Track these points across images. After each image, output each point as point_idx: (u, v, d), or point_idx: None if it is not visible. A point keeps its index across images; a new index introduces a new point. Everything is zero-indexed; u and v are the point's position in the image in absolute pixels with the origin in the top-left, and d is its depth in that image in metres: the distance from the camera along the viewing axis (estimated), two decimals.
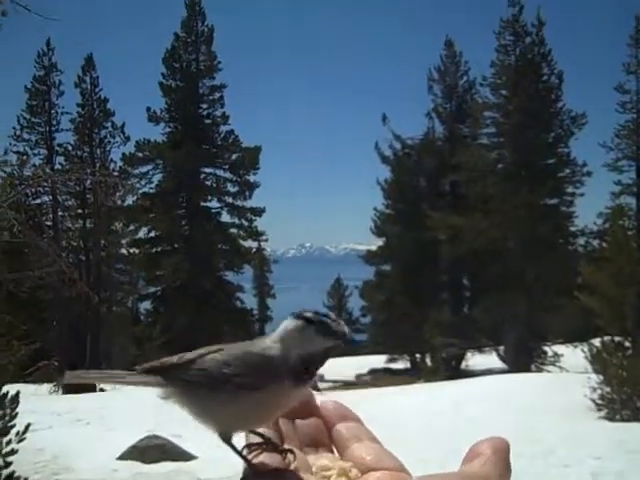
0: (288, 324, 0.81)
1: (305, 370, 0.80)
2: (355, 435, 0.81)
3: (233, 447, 0.79)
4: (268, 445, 0.79)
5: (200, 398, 0.78)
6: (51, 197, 30.10)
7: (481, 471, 0.67)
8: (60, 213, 31.82)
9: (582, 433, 11.65)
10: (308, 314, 0.80)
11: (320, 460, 0.78)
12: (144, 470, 9.02)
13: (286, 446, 0.79)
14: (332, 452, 0.82)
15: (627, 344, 16.96)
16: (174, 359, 0.81)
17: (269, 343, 0.80)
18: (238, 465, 0.78)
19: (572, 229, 34.48)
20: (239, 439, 0.80)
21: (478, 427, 12.52)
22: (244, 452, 0.79)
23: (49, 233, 26.65)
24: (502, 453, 0.70)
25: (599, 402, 13.94)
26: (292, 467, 0.77)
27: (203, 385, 0.77)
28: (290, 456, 0.77)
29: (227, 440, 0.79)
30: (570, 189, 34.28)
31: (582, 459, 9.77)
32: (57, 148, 32.71)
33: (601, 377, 14.24)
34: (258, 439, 0.79)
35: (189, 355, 0.81)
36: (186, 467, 9.16)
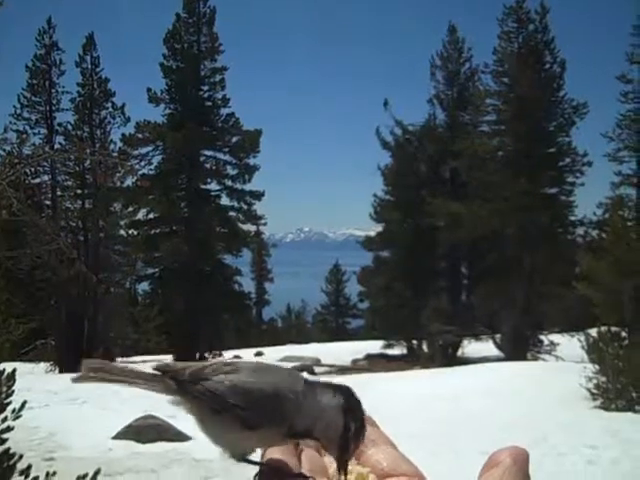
0: (331, 397, 0.77)
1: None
2: (371, 439, 0.80)
3: (247, 461, 0.79)
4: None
5: (203, 416, 0.78)
6: (50, 176, 30.05)
7: None
8: (59, 193, 31.74)
9: (577, 422, 11.69)
10: (354, 411, 0.77)
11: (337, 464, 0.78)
12: (139, 450, 9.06)
13: (303, 471, 0.78)
14: None
15: (624, 334, 16.99)
16: (190, 368, 0.81)
17: (297, 387, 0.77)
18: None
19: (571, 219, 34.39)
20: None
21: (473, 413, 12.57)
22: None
23: (48, 213, 26.62)
24: (522, 463, 0.68)
25: (594, 391, 13.97)
26: (307, 468, 0.77)
27: (208, 405, 0.77)
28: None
29: (235, 457, 0.78)
30: (570, 178, 34.20)
31: (577, 447, 9.82)
32: (57, 127, 32.51)
33: (597, 367, 14.26)
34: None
35: (206, 367, 0.80)
36: (182, 447, 9.19)
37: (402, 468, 0.76)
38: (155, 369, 0.83)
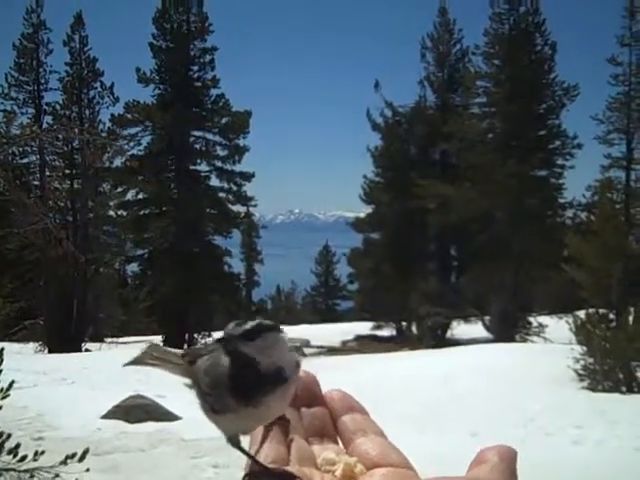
0: None
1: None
2: (361, 428, 0.80)
3: (240, 449, 0.77)
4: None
5: (197, 398, 0.77)
6: (38, 156, 29.89)
7: (489, 478, 0.67)
8: (47, 173, 31.55)
9: (564, 402, 11.78)
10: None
11: (325, 452, 0.77)
12: (128, 429, 9.06)
13: (291, 468, 0.76)
14: (337, 443, 0.81)
15: (611, 316, 17.11)
16: (197, 348, 0.81)
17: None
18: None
19: (561, 201, 34.51)
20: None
21: (461, 394, 12.64)
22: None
23: (36, 193, 26.47)
24: (509, 461, 0.69)
25: (582, 373, 14.07)
26: (295, 457, 0.76)
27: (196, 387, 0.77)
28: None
29: (231, 442, 0.77)
30: (560, 161, 34.28)
31: (563, 427, 9.90)
32: (45, 107, 32.29)
33: (584, 348, 14.37)
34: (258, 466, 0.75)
35: (204, 347, 0.79)
36: (170, 427, 9.21)
37: (391, 458, 0.75)
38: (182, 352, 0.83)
